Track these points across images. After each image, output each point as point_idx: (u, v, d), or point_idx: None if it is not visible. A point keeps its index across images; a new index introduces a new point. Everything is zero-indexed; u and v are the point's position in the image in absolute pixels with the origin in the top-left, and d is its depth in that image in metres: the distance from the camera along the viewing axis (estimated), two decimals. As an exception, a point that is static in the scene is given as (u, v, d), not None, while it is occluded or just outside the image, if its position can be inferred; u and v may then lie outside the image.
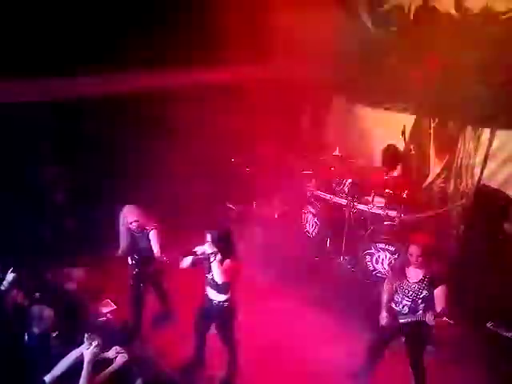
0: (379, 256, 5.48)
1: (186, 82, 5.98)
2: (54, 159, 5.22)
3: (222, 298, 3.78)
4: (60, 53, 4.78)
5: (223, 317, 3.88)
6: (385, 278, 4.12)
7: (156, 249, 4.22)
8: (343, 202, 5.85)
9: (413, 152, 6.16)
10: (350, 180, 5.91)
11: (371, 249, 5.52)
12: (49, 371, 3.05)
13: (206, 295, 3.85)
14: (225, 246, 3.65)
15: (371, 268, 5.58)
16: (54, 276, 4.15)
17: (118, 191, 5.03)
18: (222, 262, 3.62)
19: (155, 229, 4.25)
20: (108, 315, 4.47)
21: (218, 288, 3.72)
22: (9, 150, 4.64)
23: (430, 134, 6.29)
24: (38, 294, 3.73)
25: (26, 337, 3.27)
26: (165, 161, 5.89)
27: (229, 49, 5.85)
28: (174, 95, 5.79)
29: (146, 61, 5.41)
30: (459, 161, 6.05)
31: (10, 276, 3.62)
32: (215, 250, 3.57)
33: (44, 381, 3.01)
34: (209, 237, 3.61)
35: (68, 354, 3.14)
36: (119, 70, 5.24)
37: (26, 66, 4.53)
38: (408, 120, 6.41)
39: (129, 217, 4.18)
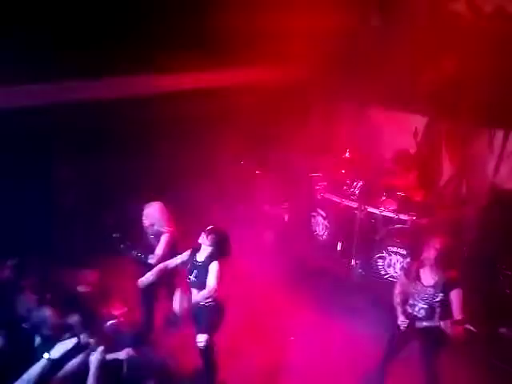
0: (391, 259, 5.42)
1: (195, 83, 6.00)
2: (68, 159, 5.26)
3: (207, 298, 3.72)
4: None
5: (210, 316, 3.80)
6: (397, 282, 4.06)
7: (157, 251, 4.17)
8: (354, 204, 5.80)
9: (425, 154, 6.10)
10: (360, 182, 5.87)
11: (383, 252, 5.46)
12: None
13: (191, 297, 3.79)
14: (218, 248, 3.66)
15: (383, 272, 5.51)
16: (66, 278, 4.16)
17: (130, 193, 5.06)
18: (209, 263, 3.63)
19: (168, 233, 4.23)
20: (119, 317, 4.46)
21: (202, 288, 3.68)
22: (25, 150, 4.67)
23: (443, 135, 6.22)
24: (49, 296, 3.73)
25: (38, 339, 3.27)
26: (175, 162, 5.91)
27: (238, 51, 5.85)
28: (183, 97, 5.81)
29: (155, 62, 5.42)
30: (473, 163, 5.98)
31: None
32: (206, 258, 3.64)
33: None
34: (206, 239, 3.63)
35: (78, 356, 3.13)
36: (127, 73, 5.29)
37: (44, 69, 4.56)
38: (420, 121, 6.37)
39: (145, 220, 4.21)
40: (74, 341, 3.04)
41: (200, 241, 3.69)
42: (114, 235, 4.09)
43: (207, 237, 3.64)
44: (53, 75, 4.66)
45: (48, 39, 4.50)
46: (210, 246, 3.64)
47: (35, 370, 2.85)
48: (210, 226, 3.70)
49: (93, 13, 4.83)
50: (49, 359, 2.88)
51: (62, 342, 3.00)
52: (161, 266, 3.88)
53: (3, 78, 4.30)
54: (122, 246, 4.09)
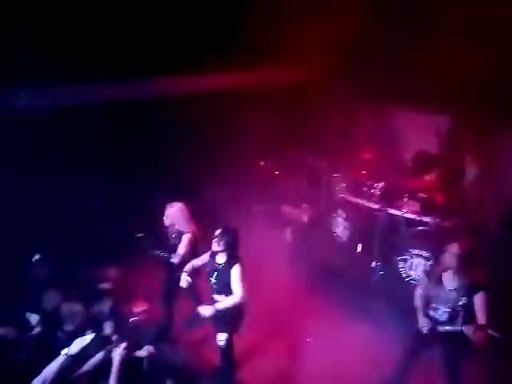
0: (413, 262, 5.32)
1: (214, 85, 6.06)
2: (95, 160, 5.40)
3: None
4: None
5: (231, 316, 3.80)
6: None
7: (179, 251, 4.23)
8: (375, 206, 5.73)
9: (448, 154, 5.97)
10: (382, 183, 5.80)
11: (405, 254, 5.37)
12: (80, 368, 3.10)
13: (212, 298, 3.84)
14: (233, 248, 3.67)
15: (405, 274, 5.42)
16: (90, 275, 4.26)
17: (153, 193, 5.15)
18: (230, 266, 3.64)
19: (189, 233, 4.28)
20: (141, 315, 4.54)
21: (224, 291, 3.72)
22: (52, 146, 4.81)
23: (467, 135, 6.08)
24: (74, 292, 3.83)
25: (60, 334, 3.35)
26: (196, 163, 5.97)
27: (257, 53, 5.86)
28: (205, 98, 5.87)
29: (177, 64, 5.49)
30: (498, 164, 5.82)
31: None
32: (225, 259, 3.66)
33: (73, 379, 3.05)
34: (218, 245, 3.65)
35: (101, 352, 3.19)
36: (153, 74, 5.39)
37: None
38: (443, 121, 6.24)
39: (166, 220, 4.27)
40: (91, 337, 3.11)
41: (214, 248, 3.70)
42: (138, 235, 4.17)
43: (219, 243, 3.65)
44: (78, 77, 4.78)
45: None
46: (225, 250, 3.66)
47: (54, 365, 2.92)
48: (219, 231, 3.68)
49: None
50: (66, 355, 2.95)
51: (80, 338, 3.07)
52: (189, 265, 3.91)
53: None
54: (145, 245, 4.16)
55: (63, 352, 2.96)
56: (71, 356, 2.97)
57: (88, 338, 3.11)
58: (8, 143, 4.40)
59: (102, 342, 3.22)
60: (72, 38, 4.61)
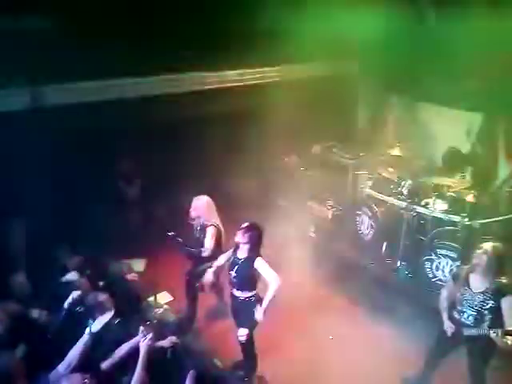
0: (440, 263, 5.21)
1: (238, 80, 6.09)
2: (124, 154, 5.52)
3: (247, 294, 3.79)
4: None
5: (251, 311, 3.81)
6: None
7: (207, 245, 4.30)
8: (402, 204, 5.63)
9: (479, 153, 5.79)
10: (409, 181, 5.68)
11: (431, 255, 5.26)
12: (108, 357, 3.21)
13: (231, 293, 3.89)
14: (256, 244, 3.70)
15: (431, 275, 5.32)
16: (117, 266, 4.38)
17: (180, 186, 5.23)
18: (252, 260, 3.68)
19: (213, 226, 4.35)
20: (165, 306, 4.66)
21: (243, 285, 3.76)
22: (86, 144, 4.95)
23: (499, 133, 5.88)
24: (101, 283, 3.96)
25: (91, 322, 3.47)
26: (220, 158, 6.02)
27: (283, 46, 5.81)
28: (229, 94, 5.90)
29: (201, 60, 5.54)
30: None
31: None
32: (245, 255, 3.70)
33: (100, 367, 3.14)
34: (242, 237, 3.68)
35: (128, 340, 3.29)
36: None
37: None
38: (475, 119, 6.05)
39: (192, 212, 4.35)
40: (111, 314, 3.22)
41: (236, 239, 3.74)
42: (168, 233, 4.25)
43: (243, 235, 3.68)
44: (104, 73, 4.89)
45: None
46: (247, 243, 3.69)
47: (78, 347, 3.03)
48: (246, 224, 3.73)
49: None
50: (90, 333, 3.06)
51: (101, 317, 3.18)
52: (214, 268, 4.02)
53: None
54: (177, 243, 4.25)
55: (86, 331, 3.08)
56: (94, 334, 3.08)
57: (108, 315, 3.23)
58: (40, 139, 4.56)
59: (124, 325, 3.34)
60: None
